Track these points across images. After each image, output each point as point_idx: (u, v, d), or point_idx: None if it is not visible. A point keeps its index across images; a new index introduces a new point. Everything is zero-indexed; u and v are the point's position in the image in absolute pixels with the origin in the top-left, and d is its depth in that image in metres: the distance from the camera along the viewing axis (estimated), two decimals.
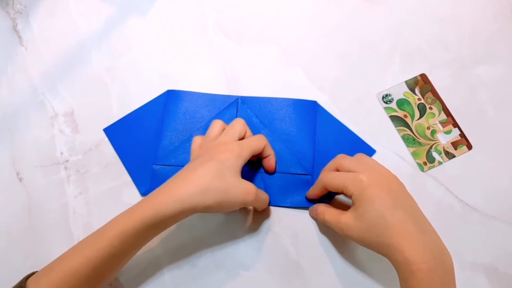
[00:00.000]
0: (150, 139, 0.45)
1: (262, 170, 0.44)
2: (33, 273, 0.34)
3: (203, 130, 0.45)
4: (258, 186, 0.42)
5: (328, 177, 0.37)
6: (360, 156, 0.38)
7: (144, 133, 0.46)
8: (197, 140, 0.41)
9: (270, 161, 0.42)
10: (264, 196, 0.40)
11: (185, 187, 0.34)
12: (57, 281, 0.32)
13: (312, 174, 0.43)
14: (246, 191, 0.36)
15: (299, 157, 0.44)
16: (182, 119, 0.46)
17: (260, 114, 0.46)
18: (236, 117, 0.46)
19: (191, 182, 0.35)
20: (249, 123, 0.44)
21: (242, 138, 0.40)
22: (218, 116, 0.46)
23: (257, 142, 0.40)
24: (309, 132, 0.45)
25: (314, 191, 0.41)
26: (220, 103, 0.47)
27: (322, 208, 0.39)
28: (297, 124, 0.45)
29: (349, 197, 0.35)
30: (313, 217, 0.43)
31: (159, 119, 0.46)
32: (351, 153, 0.40)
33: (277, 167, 0.43)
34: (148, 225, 0.34)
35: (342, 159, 0.38)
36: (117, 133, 0.46)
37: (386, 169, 0.36)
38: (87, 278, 0.33)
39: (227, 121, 0.43)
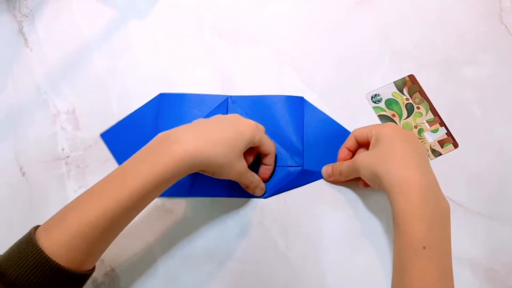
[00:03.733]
0: (145, 142, 0.47)
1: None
2: (38, 226, 0.32)
3: None
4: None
5: (357, 129, 0.42)
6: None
7: (139, 137, 0.47)
8: None
9: (268, 171, 0.44)
10: (255, 182, 0.42)
11: (202, 143, 0.35)
12: (73, 232, 0.31)
13: (303, 166, 0.45)
14: (240, 170, 0.39)
15: (289, 150, 0.46)
16: (175, 120, 0.48)
17: (250, 112, 0.48)
18: (227, 114, 0.47)
19: (210, 139, 0.35)
20: None
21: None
22: (209, 115, 0.48)
23: (269, 142, 0.42)
24: (297, 126, 0.47)
25: (346, 144, 0.43)
26: (211, 102, 0.48)
27: (339, 162, 0.43)
28: (286, 120, 0.47)
29: (370, 138, 0.40)
30: (326, 178, 0.45)
31: (153, 122, 0.48)
32: (338, 144, 0.43)
33: None
34: (168, 179, 0.33)
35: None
36: (113, 137, 0.48)
37: (416, 137, 0.41)
38: (104, 230, 0.32)
39: None
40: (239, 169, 0.39)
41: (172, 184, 0.35)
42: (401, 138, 0.37)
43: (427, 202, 0.33)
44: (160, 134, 0.36)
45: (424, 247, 0.32)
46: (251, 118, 0.47)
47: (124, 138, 0.48)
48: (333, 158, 0.45)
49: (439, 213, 0.34)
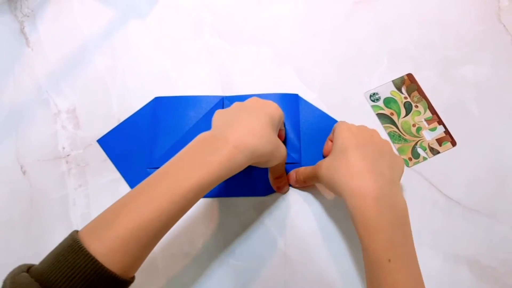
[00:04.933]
0: (142, 146, 0.47)
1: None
2: (78, 231, 0.30)
3: (192, 131, 0.47)
4: (247, 178, 0.45)
5: (340, 123, 0.41)
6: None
7: (136, 141, 0.48)
8: None
9: (281, 183, 0.44)
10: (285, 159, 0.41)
11: (250, 137, 0.34)
12: (128, 236, 0.29)
13: (301, 162, 0.46)
14: (284, 153, 0.39)
15: (287, 147, 0.46)
16: (171, 123, 0.48)
17: None
18: None
19: (253, 131, 0.34)
20: None
21: None
22: (205, 116, 0.48)
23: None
24: (294, 123, 0.47)
25: (330, 136, 0.45)
26: (206, 103, 0.49)
27: (303, 168, 0.43)
28: None
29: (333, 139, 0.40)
30: (293, 184, 0.45)
31: (150, 126, 0.48)
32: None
33: None
34: (222, 177, 0.32)
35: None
36: (110, 143, 0.48)
37: (378, 138, 0.39)
38: (157, 232, 0.30)
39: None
40: (283, 152, 0.38)
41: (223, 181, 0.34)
42: (355, 144, 0.36)
43: (383, 212, 0.32)
44: (203, 135, 0.35)
45: (389, 260, 0.32)
46: None
47: (121, 143, 0.48)
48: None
49: (397, 219, 0.33)
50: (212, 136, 0.34)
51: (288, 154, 0.45)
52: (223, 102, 0.49)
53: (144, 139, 0.48)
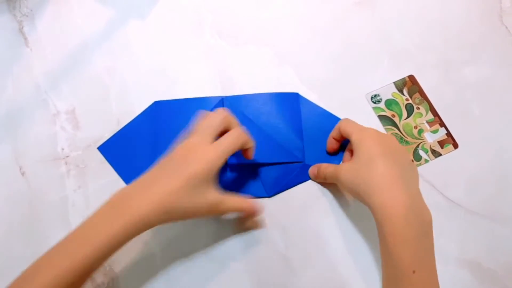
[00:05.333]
0: (144, 151, 0.47)
1: (256, 161, 0.44)
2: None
3: None
4: (252, 179, 0.45)
5: (346, 121, 0.41)
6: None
7: (137, 147, 0.47)
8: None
9: (250, 152, 0.41)
10: (241, 204, 0.39)
11: (150, 206, 0.33)
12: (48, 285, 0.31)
13: (304, 161, 0.45)
14: (213, 209, 0.36)
15: (289, 146, 0.46)
16: (173, 127, 0.47)
17: (247, 111, 0.47)
18: None
19: (158, 200, 0.33)
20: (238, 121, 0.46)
21: (224, 132, 0.38)
22: None
23: (237, 141, 0.37)
24: (295, 121, 0.47)
25: (332, 133, 0.44)
26: (206, 105, 0.48)
27: (326, 164, 0.43)
28: (283, 116, 0.47)
29: (352, 144, 0.39)
30: (313, 178, 0.45)
31: (150, 131, 0.47)
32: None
33: (269, 158, 0.45)
34: (124, 242, 0.33)
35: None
36: (112, 150, 0.47)
37: (398, 144, 0.39)
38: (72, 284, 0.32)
39: None
40: (203, 213, 0.36)
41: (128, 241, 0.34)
42: (382, 152, 0.36)
43: (412, 224, 0.32)
44: (114, 196, 0.35)
45: (414, 271, 0.32)
46: (248, 117, 0.47)
47: (122, 149, 0.47)
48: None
49: (424, 230, 0.34)
50: (119, 199, 0.34)
51: (291, 153, 0.45)
52: (223, 102, 0.48)
53: (145, 145, 0.47)
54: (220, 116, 0.38)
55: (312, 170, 0.45)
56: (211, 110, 0.48)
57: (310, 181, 0.45)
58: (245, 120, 0.47)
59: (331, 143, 0.45)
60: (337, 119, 0.47)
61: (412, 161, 0.45)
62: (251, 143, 0.40)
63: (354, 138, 0.39)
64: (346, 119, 0.43)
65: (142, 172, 0.44)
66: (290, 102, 0.48)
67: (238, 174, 0.45)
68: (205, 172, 0.35)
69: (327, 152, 0.46)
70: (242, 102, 0.48)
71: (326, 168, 0.42)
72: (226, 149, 0.36)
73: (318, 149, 0.46)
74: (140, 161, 0.46)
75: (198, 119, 0.39)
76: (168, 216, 0.34)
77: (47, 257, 0.33)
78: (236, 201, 0.39)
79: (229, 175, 0.45)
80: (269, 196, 0.45)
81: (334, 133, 0.44)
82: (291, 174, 0.45)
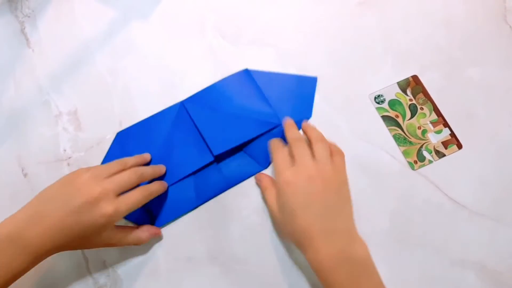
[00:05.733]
0: None
1: (239, 142, 0.45)
2: None
3: (167, 143, 0.46)
4: (243, 160, 0.46)
5: (273, 152, 0.40)
6: (313, 138, 0.40)
7: None
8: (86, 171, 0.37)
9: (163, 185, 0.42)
10: (139, 238, 0.40)
11: (52, 242, 0.34)
12: None
13: (281, 123, 0.47)
14: (108, 244, 0.38)
15: (262, 117, 0.47)
16: (143, 149, 0.46)
17: (209, 104, 0.48)
18: (192, 118, 0.46)
19: (55, 234, 0.34)
20: (204, 116, 0.47)
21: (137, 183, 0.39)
22: (173, 128, 0.47)
23: (137, 202, 0.37)
24: (257, 94, 0.48)
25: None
26: (169, 114, 0.48)
27: (266, 184, 0.42)
28: (243, 94, 0.48)
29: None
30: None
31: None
32: (300, 90, 0.48)
33: (250, 135, 0.46)
34: (24, 272, 0.34)
35: (294, 139, 0.40)
36: None
37: (322, 163, 0.37)
38: None
39: (184, 125, 0.46)
40: (103, 245, 0.38)
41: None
42: (301, 205, 0.35)
43: (342, 269, 0.33)
44: (6, 228, 0.35)
45: None
46: (213, 108, 0.47)
47: None
48: (302, 106, 0.48)
49: (357, 269, 0.34)
50: (15, 235, 0.34)
51: (266, 121, 0.46)
52: (184, 107, 0.48)
53: None
54: (135, 173, 0.39)
55: (257, 179, 0.45)
56: (175, 119, 0.47)
57: None
58: (212, 112, 0.47)
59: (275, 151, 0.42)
60: (292, 77, 0.49)
61: (416, 161, 0.45)
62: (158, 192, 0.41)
63: (276, 180, 0.38)
64: (275, 146, 0.41)
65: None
66: (243, 79, 0.49)
67: (228, 161, 0.46)
68: (100, 226, 0.35)
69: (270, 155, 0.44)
70: (201, 99, 0.48)
71: (267, 196, 0.41)
72: (131, 208, 0.37)
73: (288, 108, 0.48)
74: None
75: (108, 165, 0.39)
76: (62, 249, 0.35)
77: None
78: (132, 236, 0.39)
79: (221, 165, 0.46)
80: (265, 168, 0.46)
81: (271, 147, 0.42)
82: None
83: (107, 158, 0.47)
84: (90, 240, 0.36)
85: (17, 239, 0.33)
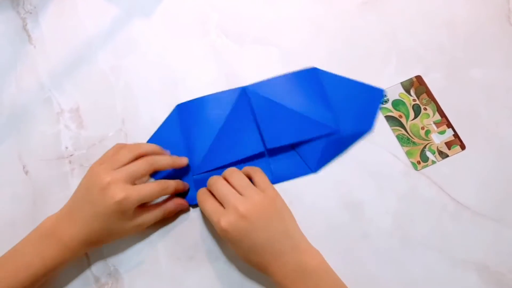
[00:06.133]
0: (178, 155, 0.45)
1: (293, 141, 0.45)
2: None
3: (225, 128, 0.46)
4: (294, 161, 0.46)
5: (201, 202, 0.39)
6: (242, 180, 0.39)
7: (171, 152, 0.46)
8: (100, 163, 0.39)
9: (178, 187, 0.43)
10: (165, 210, 0.41)
11: (76, 234, 0.37)
12: None
13: (339, 130, 0.46)
14: (135, 230, 0.40)
15: (321, 119, 0.46)
16: (201, 127, 0.47)
17: (271, 95, 0.47)
18: (252, 106, 0.47)
19: (81, 232, 0.37)
20: (264, 106, 0.46)
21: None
22: (233, 110, 0.47)
23: (150, 192, 0.38)
24: (320, 94, 0.47)
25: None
26: (230, 97, 0.48)
27: (203, 197, 0.40)
28: (307, 92, 0.47)
29: None
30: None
31: (180, 134, 0.47)
32: (364, 99, 0.47)
33: (305, 135, 0.45)
34: (56, 268, 0.37)
35: (224, 180, 0.40)
36: None
37: (259, 203, 0.37)
38: None
39: (243, 112, 0.46)
40: (126, 235, 0.40)
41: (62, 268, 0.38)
42: (242, 240, 0.37)
43: (299, 282, 0.35)
44: (43, 225, 0.38)
45: None
46: (273, 101, 0.47)
47: None
48: (364, 116, 0.47)
49: (312, 273, 0.36)
50: (50, 231, 0.37)
51: (324, 125, 0.45)
52: (245, 92, 0.48)
53: (178, 149, 0.46)
54: (148, 161, 0.40)
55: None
56: (236, 103, 0.47)
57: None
58: (272, 104, 0.47)
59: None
60: (359, 84, 0.48)
61: (419, 162, 0.45)
62: (177, 191, 0.43)
63: (216, 231, 0.38)
64: (202, 198, 0.40)
65: (184, 178, 0.45)
66: (310, 77, 0.48)
67: (278, 157, 0.46)
68: (116, 211, 0.37)
69: None
70: (264, 89, 0.48)
71: (207, 204, 0.39)
72: (143, 196, 0.38)
73: (349, 117, 0.46)
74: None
75: (116, 150, 0.40)
76: (93, 242, 0.38)
77: None
78: (156, 212, 0.41)
79: (270, 160, 0.45)
80: (314, 172, 0.45)
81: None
82: (330, 147, 0.45)
83: (162, 128, 0.47)
84: (114, 229, 0.38)
85: (51, 235, 0.37)
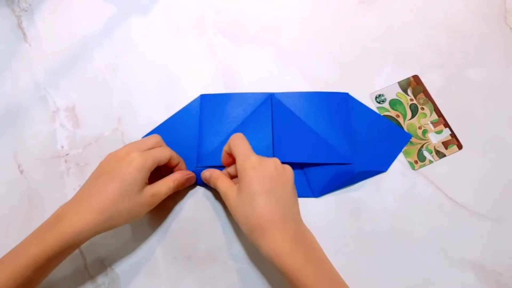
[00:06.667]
0: (189, 143, 0.46)
1: (304, 160, 0.44)
2: None
3: (239, 129, 0.46)
4: (299, 180, 0.44)
5: (236, 140, 0.39)
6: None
7: (182, 138, 0.46)
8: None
9: (181, 168, 0.43)
10: (175, 181, 0.41)
11: (92, 215, 0.35)
12: None
13: (353, 163, 0.44)
14: (151, 201, 0.39)
15: (338, 147, 0.45)
16: (219, 121, 0.46)
17: (295, 108, 0.47)
18: (272, 112, 0.46)
19: (97, 208, 0.36)
20: (285, 118, 0.46)
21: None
22: (253, 113, 0.46)
23: (162, 153, 0.40)
24: (344, 122, 0.46)
25: (225, 147, 0.41)
26: (254, 100, 0.47)
27: (217, 174, 0.41)
28: (332, 116, 0.46)
29: (237, 169, 0.38)
30: (204, 180, 0.43)
31: (196, 124, 0.47)
32: (388, 139, 0.45)
33: (317, 158, 0.44)
34: (61, 252, 0.35)
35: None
36: None
37: (280, 169, 0.38)
38: None
39: (262, 118, 0.46)
40: (144, 209, 0.39)
41: (74, 250, 0.37)
42: (263, 189, 0.36)
43: (297, 252, 0.34)
44: (52, 214, 0.37)
45: None
46: (296, 115, 0.46)
47: (166, 139, 0.45)
48: (381, 154, 0.45)
49: (311, 253, 0.35)
50: (59, 214, 0.37)
51: (339, 153, 0.44)
52: (272, 99, 0.47)
53: (190, 138, 0.46)
54: (153, 138, 0.41)
55: (204, 174, 0.43)
56: (260, 105, 0.47)
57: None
58: (294, 118, 0.46)
59: (225, 157, 0.42)
60: (388, 122, 0.46)
61: (416, 161, 0.45)
62: (178, 158, 0.43)
63: (239, 165, 0.37)
64: (238, 136, 0.40)
65: (188, 165, 0.45)
66: (340, 102, 0.47)
67: None
68: (134, 175, 0.37)
69: (223, 164, 0.44)
70: (291, 100, 0.47)
71: (221, 184, 0.40)
72: (151, 156, 0.38)
73: (368, 152, 0.45)
74: (183, 152, 0.45)
75: (134, 142, 0.41)
76: (112, 222, 0.37)
77: None
78: (167, 182, 0.41)
79: None
80: (316, 197, 0.44)
81: (226, 146, 0.41)
82: (339, 178, 0.44)
83: (181, 113, 0.48)
84: (134, 201, 0.37)
85: (60, 220, 0.36)
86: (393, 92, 0.48)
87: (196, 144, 0.46)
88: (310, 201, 0.44)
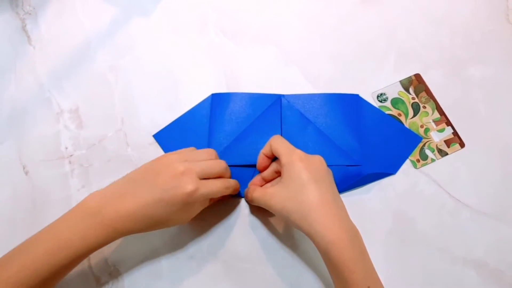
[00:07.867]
0: (199, 142, 0.46)
1: None
2: None
3: (249, 129, 0.46)
4: None
5: (277, 140, 0.40)
6: None
7: (192, 137, 0.47)
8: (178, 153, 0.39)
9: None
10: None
11: (129, 221, 0.35)
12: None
13: (362, 165, 0.44)
14: (184, 220, 0.38)
15: (347, 149, 0.45)
16: (229, 120, 0.47)
17: (305, 110, 0.47)
18: (281, 114, 0.47)
19: (133, 209, 0.35)
20: (295, 119, 0.46)
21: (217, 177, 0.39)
22: (263, 114, 0.47)
23: (217, 189, 0.38)
24: (354, 124, 0.46)
25: (264, 150, 0.42)
26: (264, 101, 0.47)
27: (253, 187, 0.41)
28: (341, 118, 0.46)
29: (281, 166, 0.38)
30: (247, 201, 0.43)
31: (206, 122, 0.47)
32: (398, 142, 0.44)
33: (328, 160, 0.43)
34: (96, 248, 0.35)
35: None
36: (166, 138, 0.47)
37: (325, 164, 0.38)
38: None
39: (272, 119, 0.46)
40: (184, 220, 0.38)
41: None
42: (313, 177, 0.36)
43: (355, 244, 0.34)
44: (88, 204, 0.35)
45: (368, 287, 0.33)
46: (305, 117, 0.46)
47: (177, 138, 0.46)
48: (390, 156, 0.45)
49: (362, 247, 0.35)
50: (95, 209, 0.35)
51: (348, 155, 0.44)
52: (281, 100, 0.47)
53: (200, 136, 0.47)
54: (220, 165, 0.39)
55: (245, 195, 0.43)
56: (269, 106, 0.47)
57: None
58: (302, 119, 0.46)
59: (262, 160, 0.42)
60: (398, 124, 0.46)
61: (419, 160, 0.45)
62: (234, 190, 0.41)
63: (285, 161, 0.37)
64: (278, 137, 0.41)
65: None
66: (350, 104, 0.47)
67: None
68: (183, 201, 0.35)
69: (258, 169, 0.43)
70: (300, 101, 0.47)
71: (253, 191, 0.40)
72: (210, 193, 0.37)
73: (377, 155, 0.45)
74: None
75: (192, 149, 0.40)
76: (143, 225, 0.36)
77: (21, 255, 0.34)
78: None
79: None
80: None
81: (265, 150, 0.41)
82: (348, 179, 0.44)
83: (192, 112, 0.48)
84: (169, 218, 0.36)
85: (96, 213, 0.34)
86: (395, 91, 0.48)
87: (206, 143, 0.46)
88: None
